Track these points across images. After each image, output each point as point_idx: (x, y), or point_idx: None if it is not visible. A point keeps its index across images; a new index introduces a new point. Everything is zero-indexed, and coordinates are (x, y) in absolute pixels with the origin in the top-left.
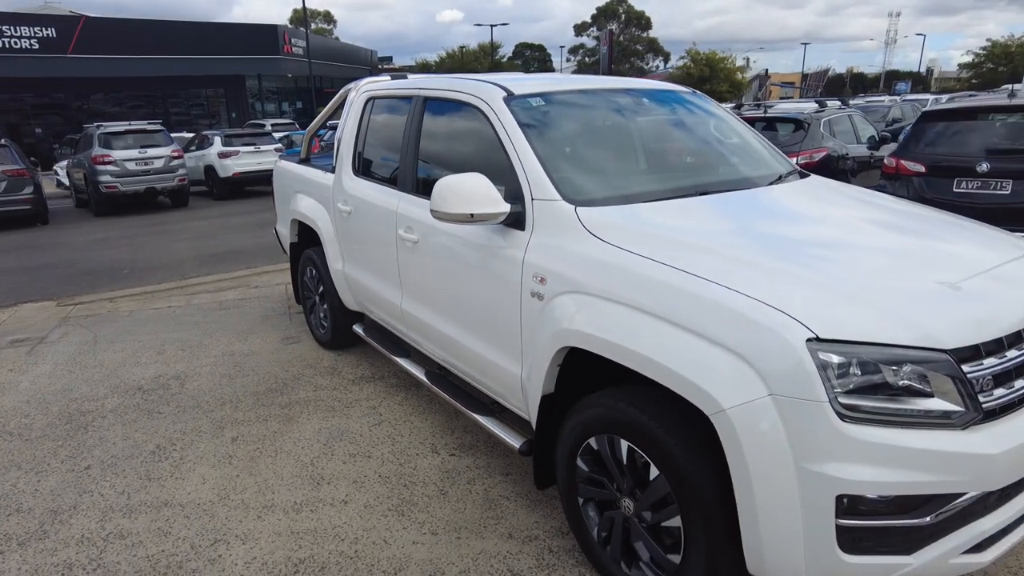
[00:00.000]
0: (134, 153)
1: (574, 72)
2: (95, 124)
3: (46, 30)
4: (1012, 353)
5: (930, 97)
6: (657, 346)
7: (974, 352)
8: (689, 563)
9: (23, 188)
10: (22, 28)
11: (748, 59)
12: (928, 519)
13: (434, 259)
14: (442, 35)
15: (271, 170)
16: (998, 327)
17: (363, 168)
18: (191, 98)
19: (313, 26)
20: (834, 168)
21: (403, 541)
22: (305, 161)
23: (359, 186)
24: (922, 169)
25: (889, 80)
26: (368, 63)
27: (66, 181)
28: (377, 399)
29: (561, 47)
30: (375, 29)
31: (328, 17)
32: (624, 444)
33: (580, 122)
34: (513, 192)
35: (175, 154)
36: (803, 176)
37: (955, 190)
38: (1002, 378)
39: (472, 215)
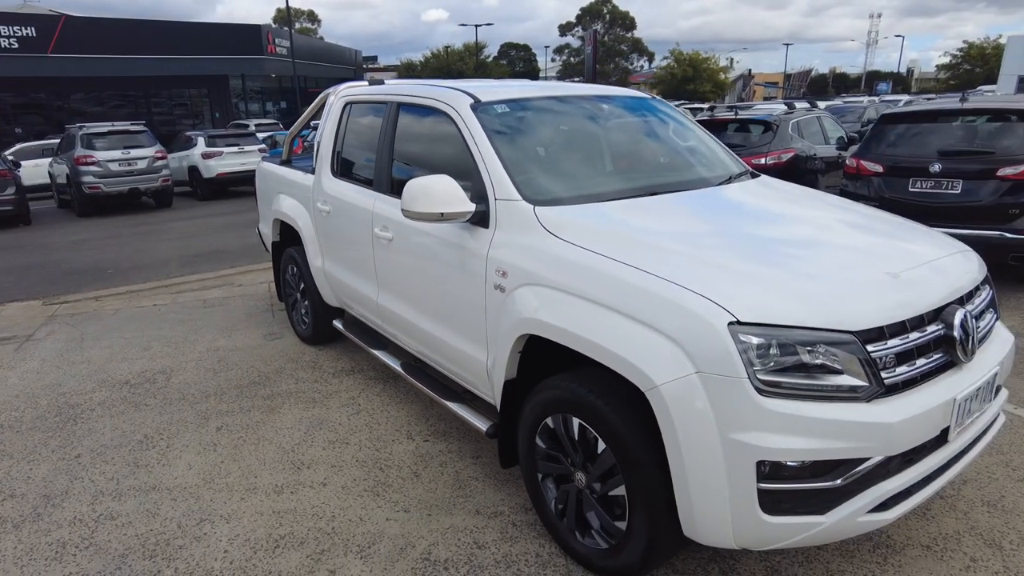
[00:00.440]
0: (117, 154)
1: (559, 72)
2: (77, 125)
3: (25, 29)
4: (915, 335)
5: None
6: (602, 332)
7: (879, 334)
8: (633, 529)
9: (4, 188)
10: (0, 27)
11: (731, 59)
12: (838, 482)
13: (407, 256)
14: (427, 35)
15: (255, 171)
16: (909, 310)
17: (341, 169)
18: (174, 98)
19: (297, 26)
20: (802, 168)
21: (377, 518)
22: (287, 162)
23: (337, 187)
24: (880, 169)
25: (870, 80)
26: (353, 63)
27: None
28: (356, 390)
29: (546, 47)
30: (360, 28)
31: (312, 16)
32: (576, 422)
33: (542, 127)
34: (479, 192)
35: (159, 155)
36: (754, 176)
37: (911, 190)
38: (904, 357)
39: (443, 214)
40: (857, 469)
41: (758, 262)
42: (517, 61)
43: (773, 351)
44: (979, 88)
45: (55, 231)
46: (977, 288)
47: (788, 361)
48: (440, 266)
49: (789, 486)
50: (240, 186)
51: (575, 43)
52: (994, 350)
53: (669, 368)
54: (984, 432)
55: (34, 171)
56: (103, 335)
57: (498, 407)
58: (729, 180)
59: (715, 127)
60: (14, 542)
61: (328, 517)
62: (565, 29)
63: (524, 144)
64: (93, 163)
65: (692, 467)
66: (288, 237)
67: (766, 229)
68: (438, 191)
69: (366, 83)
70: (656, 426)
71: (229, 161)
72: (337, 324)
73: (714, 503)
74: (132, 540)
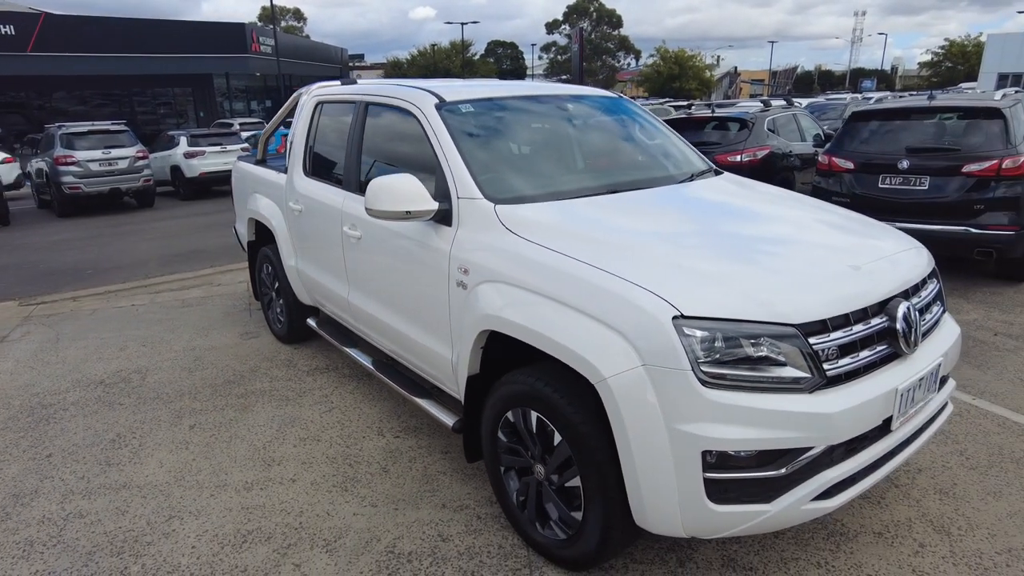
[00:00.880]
0: (97, 154)
1: (546, 70)
2: (56, 124)
3: (4, 27)
4: (858, 328)
5: (875, 95)
6: (555, 327)
7: (821, 327)
8: (588, 518)
9: None
10: None
11: (717, 57)
12: (783, 471)
13: (375, 254)
14: (415, 32)
15: None
16: (852, 303)
17: (313, 169)
18: (158, 97)
19: (283, 24)
20: (778, 165)
21: (344, 513)
22: (261, 162)
23: (309, 186)
24: (851, 166)
25: (855, 78)
26: (339, 61)
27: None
28: (330, 388)
29: (533, 45)
30: (347, 26)
31: (298, 14)
32: (534, 415)
33: (506, 126)
34: (442, 191)
35: (140, 154)
36: (718, 173)
37: (880, 186)
38: (847, 349)
39: (408, 212)
40: (801, 458)
41: (710, 257)
42: (504, 59)
43: (718, 344)
44: (959, 85)
45: (34, 231)
46: (924, 281)
47: (733, 354)
48: (406, 264)
49: (735, 475)
50: (223, 185)
51: (562, 41)
52: (939, 342)
53: (617, 361)
54: (931, 421)
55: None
56: (79, 335)
57: (463, 402)
58: (692, 178)
59: (693, 125)
60: None
61: (296, 512)
62: (552, 27)
63: (488, 143)
64: (73, 163)
65: (640, 457)
66: (263, 236)
67: (723, 225)
68: (401, 190)
69: (338, 82)
70: (607, 418)
71: (212, 160)
72: (311, 322)
73: (662, 493)
74: (100, 538)
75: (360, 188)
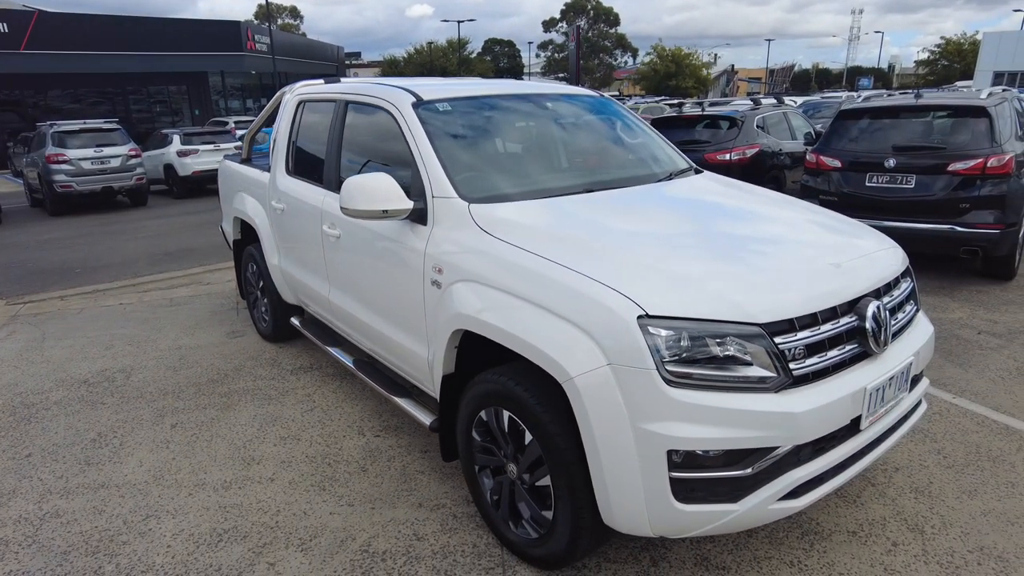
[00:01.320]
0: (89, 152)
1: (543, 68)
2: (48, 123)
3: None
4: (826, 327)
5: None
6: (524, 326)
7: (788, 326)
8: (558, 517)
9: None
10: None
11: (714, 55)
12: (749, 470)
13: (354, 253)
14: (412, 30)
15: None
16: (820, 302)
17: (294, 168)
18: (153, 95)
19: (279, 22)
20: (768, 163)
21: (321, 512)
22: (247, 161)
23: (291, 185)
24: (839, 165)
25: (852, 76)
26: (335, 59)
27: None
28: (312, 387)
29: (530, 43)
30: (343, 24)
31: (295, 12)
32: (506, 415)
33: (482, 125)
34: (418, 190)
35: (132, 153)
36: (698, 172)
37: (867, 184)
38: (815, 348)
39: (385, 211)
40: (767, 458)
41: (682, 256)
42: (501, 57)
43: (684, 343)
44: (955, 84)
45: (25, 230)
46: (897, 280)
47: (699, 353)
48: (383, 263)
49: (701, 475)
50: (216, 184)
51: (559, 39)
52: (911, 341)
53: (583, 360)
54: (903, 420)
55: None
56: (65, 335)
57: (439, 401)
58: (671, 177)
59: (683, 124)
60: None
61: (273, 511)
62: (549, 25)
63: (464, 142)
64: (65, 161)
65: (607, 457)
66: (248, 235)
67: (698, 224)
68: (375, 189)
69: (322, 81)
70: (576, 418)
71: (205, 159)
72: (294, 321)
73: (629, 492)
74: (76, 537)
75: (339, 187)
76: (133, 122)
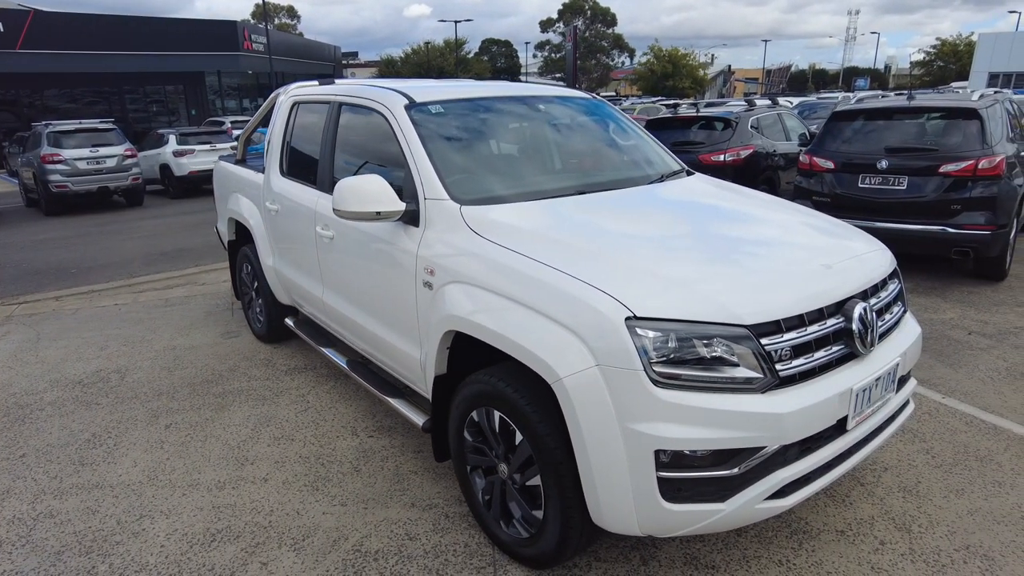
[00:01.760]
0: (85, 152)
1: (540, 68)
2: (44, 122)
3: None
4: (813, 329)
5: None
6: (514, 327)
7: (775, 327)
8: (548, 517)
9: None
10: None
11: (711, 55)
12: (736, 470)
13: (347, 254)
14: (409, 30)
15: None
16: (807, 304)
17: (288, 169)
18: (150, 95)
19: (276, 21)
20: (762, 164)
21: (314, 512)
22: (241, 161)
23: (285, 186)
24: (832, 166)
25: (848, 77)
26: (332, 59)
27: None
28: (307, 388)
29: (527, 43)
30: (341, 24)
31: (291, 12)
32: (497, 415)
33: (475, 127)
34: (410, 192)
35: (128, 153)
36: (690, 174)
37: (860, 185)
38: (801, 349)
39: (378, 212)
40: (754, 458)
41: (672, 258)
42: (498, 57)
43: (671, 344)
44: (951, 85)
45: (20, 230)
46: (884, 282)
47: (686, 354)
48: (375, 264)
49: (688, 474)
50: (212, 184)
51: (556, 39)
52: (898, 342)
53: (572, 361)
54: (891, 420)
55: None
56: (60, 335)
57: (431, 402)
58: (663, 178)
59: (678, 125)
60: None
61: (266, 512)
62: (546, 25)
63: (457, 144)
64: (60, 161)
65: (595, 457)
66: (242, 236)
67: (688, 225)
68: (367, 191)
69: (316, 82)
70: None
71: (201, 159)
72: (288, 322)
73: (617, 492)
74: (69, 537)
75: (333, 188)
76: (129, 122)
